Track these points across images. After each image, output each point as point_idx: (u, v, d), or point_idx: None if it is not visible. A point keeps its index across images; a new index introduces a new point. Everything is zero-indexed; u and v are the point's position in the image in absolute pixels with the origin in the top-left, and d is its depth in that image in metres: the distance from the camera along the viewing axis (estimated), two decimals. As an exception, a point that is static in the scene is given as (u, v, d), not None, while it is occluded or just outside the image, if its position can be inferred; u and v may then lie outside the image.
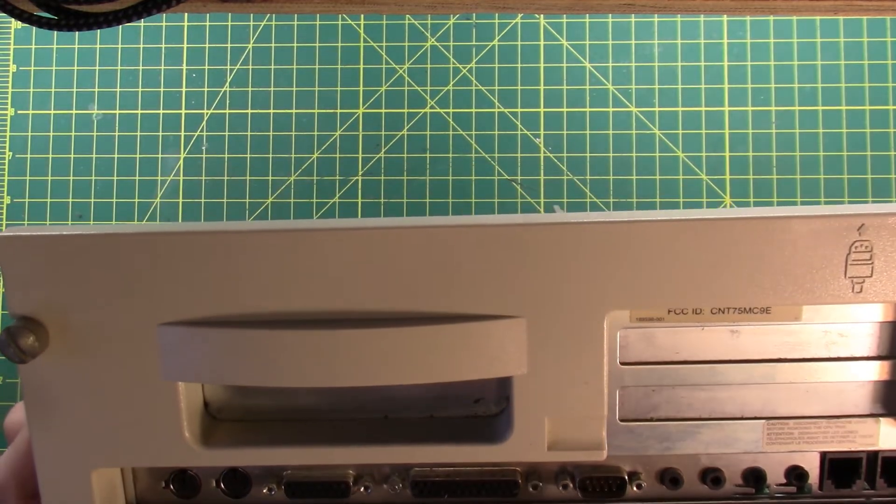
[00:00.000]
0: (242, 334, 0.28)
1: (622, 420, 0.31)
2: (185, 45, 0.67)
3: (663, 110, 0.65)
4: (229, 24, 0.67)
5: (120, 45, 0.67)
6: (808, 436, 0.31)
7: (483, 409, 0.32)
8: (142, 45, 0.67)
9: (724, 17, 0.65)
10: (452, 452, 0.30)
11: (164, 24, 0.67)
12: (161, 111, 0.67)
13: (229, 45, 0.67)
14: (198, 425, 0.31)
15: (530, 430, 0.30)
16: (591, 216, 0.29)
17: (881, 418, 0.31)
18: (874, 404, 0.31)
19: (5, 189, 0.66)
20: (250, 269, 0.28)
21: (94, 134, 0.67)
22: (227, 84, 0.67)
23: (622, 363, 0.31)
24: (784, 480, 0.32)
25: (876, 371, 0.30)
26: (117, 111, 0.67)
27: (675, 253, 0.28)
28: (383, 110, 0.66)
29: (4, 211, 0.66)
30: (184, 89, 0.67)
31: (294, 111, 0.66)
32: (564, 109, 0.65)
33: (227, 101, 0.66)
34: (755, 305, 0.29)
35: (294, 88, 0.66)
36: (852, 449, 0.31)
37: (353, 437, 0.31)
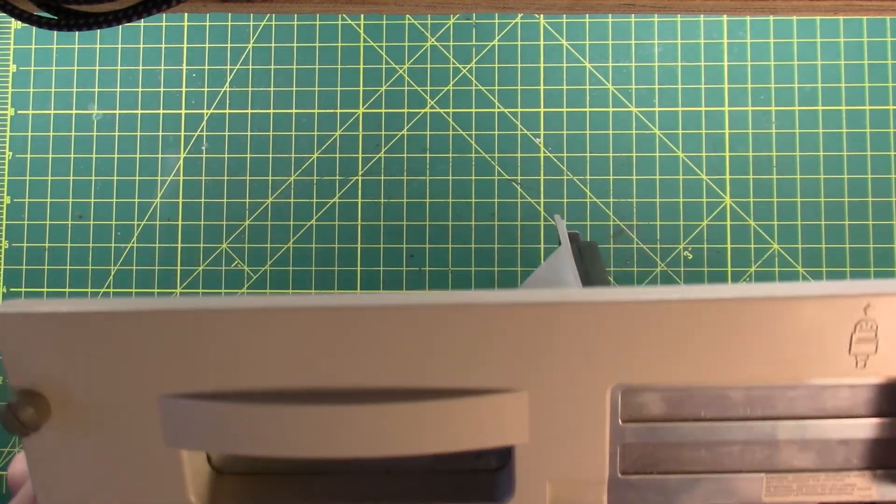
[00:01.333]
0: (244, 408, 0.28)
1: (622, 474, 0.31)
2: (185, 45, 0.67)
3: (663, 110, 0.65)
4: (229, 24, 0.67)
5: (120, 45, 0.67)
6: (807, 489, 0.31)
7: (485, 463, 0.32)
8: (142, 45, 0.67)
9: (724, 17, 0.65)
10: None
11: (164, 24, 0.67)
12: (161, 111, 0.67)
13: (229, 45, 0.67)
14: (203, 488, 0.31)
15: (531, 494, 0.30)
16: (592, 295, 0.29)
17: (878, 471, 0.31)
18: (871, 459, 0.31)
19: (5, 189, 0.66)
20: (250, 346, 0.29)
21: (94, 134, 0.67)
22: (227, 84, 0.67)
23: (623, 421, 0.31)
24: None
25: (874, 428, 0.31)
26: (117, 111, 0.67)
27: (679, 332, 0.28)
28: (383, 110, 0.66)
29: (4, 211, 0.66)
30: (184, 89, 0.67)
31: (294, 111, 0.66)
32: (564, 109, 0.65)
33: (227, 101, 0.66)
34: (758, 382, 0.29)
35: (294, 88, 0.66)
36: (850, 501, 0.31)
37: (355, 493, 0.31)
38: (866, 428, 0.31)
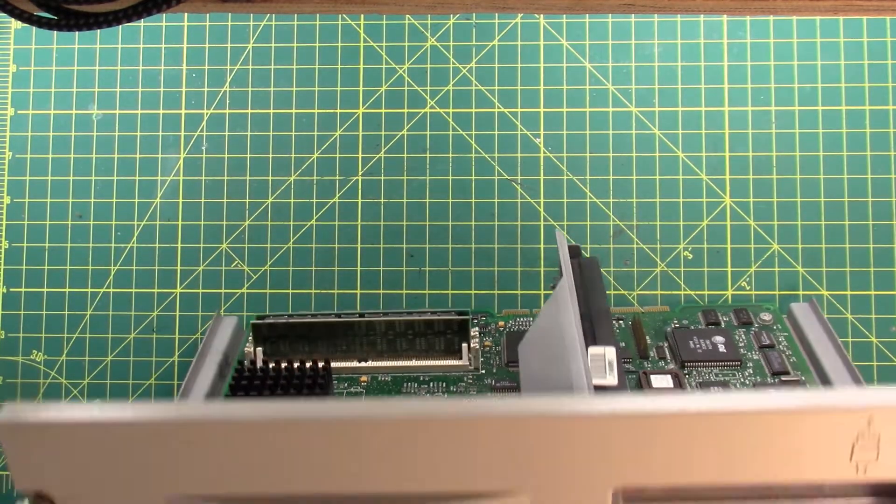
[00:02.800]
0: None
1: None
2: (185, 45, 0.67)
3: (663, 110, 0.65)
4: (229, 24, 0.67)
5: (120, 45, 0.67)
6: None
7: None
8: (142, 45, 0.67)
9: (724, 17, 0.65)
10: None
11: (164, 24, 0.67)
12: (161, 111, 0.67)
13: (229, 45, 0.67)
14: None
15: None
16: (595, 404, 0.29)
17: None
18: None
19: (5, 189, 0.66)
20: (254, 454, 0.29)
21: (94, 134, 0.67)
22: (227, 84, 0.67)
23: None
24: None
25: None
26: (117, 111, 0.67)
27: (680, 442, 0.28)
28: (383, 110, 0.66)
29: (4, 211, 0.66)
30: (184, 89, 0.67)
31: (294, 111, 0.66)
32: (564, 109, 0.65)
33: (227, 101, 0.66)
34: (758, 482, 0.29)
35: (294, 88, 0.66)
36: None
37: None
38: None
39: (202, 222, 0.66)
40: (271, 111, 0.66)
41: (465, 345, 0.55)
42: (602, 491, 0.29)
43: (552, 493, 0.29)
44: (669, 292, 0.63)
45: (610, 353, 0.40)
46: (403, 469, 0.29)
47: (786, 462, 0.28)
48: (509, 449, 0.28)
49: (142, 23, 0.67)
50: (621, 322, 0.58)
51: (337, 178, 0.66)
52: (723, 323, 0.58)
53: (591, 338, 0.44)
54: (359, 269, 0.65)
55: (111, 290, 0.66)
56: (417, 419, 0.28)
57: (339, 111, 0.66)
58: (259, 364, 0.54)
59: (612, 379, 0.39)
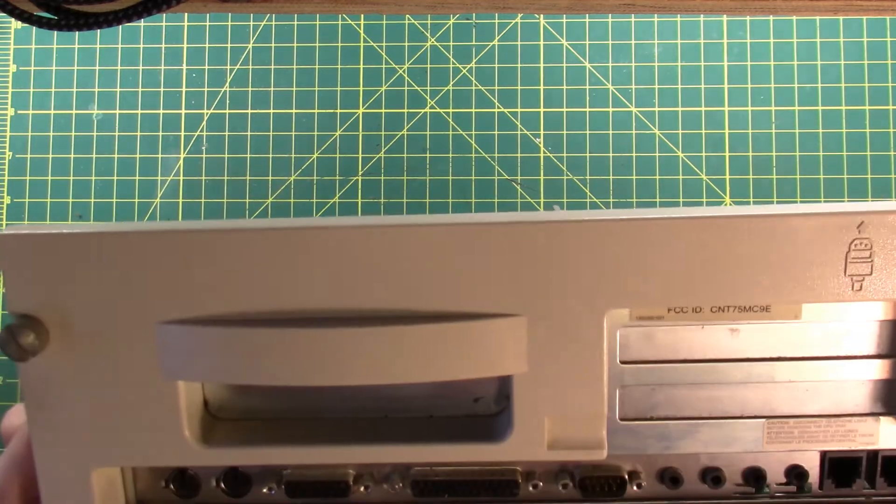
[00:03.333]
0: (240, 332, 0.28)
1: (622, 419, 0.31)
2: (185, 45, 0.67)
3: (663, 110, 0.65)
4: (229, 24, 0.67)
5: (120, 45, 0.67)
6: (808, 435, 0.31)
7: (483, 408, 0.32)
8: (142, 45, 0.67)
9: (724, 17, 0.65)
10: (452, 452, 0.30)
11: (164, 24, 0.67)
12: (161, 111, 0.67)
13: (229, 45, 0.67)
14: (198, 425, 0.31)
15: (530, 429, 0.30)
16: (589, 214, 0.29)
17: (881, 417, 0.31)
18: (874, 403, 0.31)
19: (5, 189, 0.66)
20: (248, 267, 0.29)
21: (94, 134, 0.67)
22: (227, 84, 0.67)
23: (622, 362, 0.31)
24: (784, 480, 0.32)
25: (876, 370, 0.30)
26: (117, 111, 0.67)
27: (674, 251, 0.28)
28: (383, 110, 0.66)
29: (4, 211, 0.66)
30: (184, 89, 0.67)
31: (294, 111, 0.66)
32: (564, 109, 0.65)
33: (227, 101, 0.66)
34: (755, 304, 0.29)
35: (294, 88, 0.66)
36: (852, 448, 0.31)
37: (352, 436, 0.31)
38: (868, 369, 0.30)
39: (201, 221, 0.66)
40: (271, 111, 0.66)
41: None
42: (597, 314, 0.28)
43: (548, 315, 0.28)
44: (669, 292, 0.63)
45: None
46: (401, 285, 0.28)
47: (781, 274, 0.28)
48: (504, 266, 0.28)
49: (142, 23, 0.67)
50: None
51: (337, 178, 0.66)
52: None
53: None
54: (359, 269, 0.65)
55: (111, 290, 0.65)
56: (414, 226, 0.28)
57: (339, 111, 0.66)
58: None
59: None
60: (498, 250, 0.28)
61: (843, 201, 0.63)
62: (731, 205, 0.64)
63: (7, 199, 0.66)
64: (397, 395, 0.32)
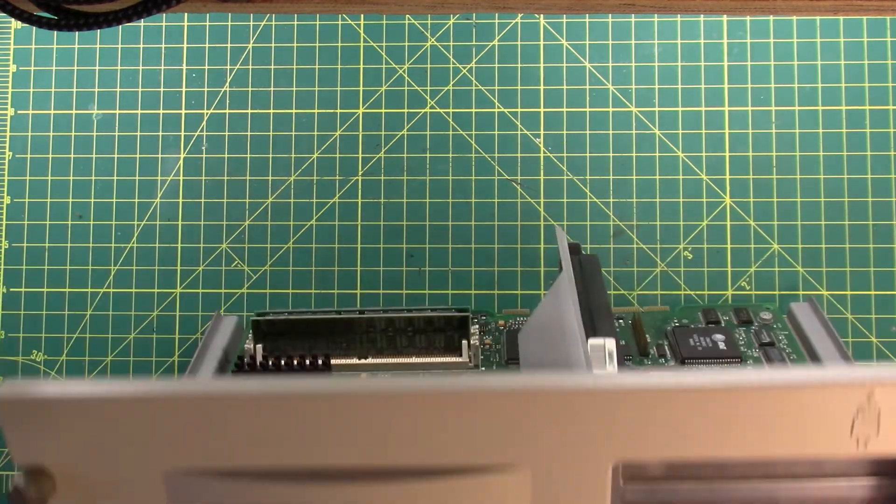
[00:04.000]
0: (250, 486, 0.29)
1: None
2: (185, 45, 0.67)
3: (663, 110, 0.65)
4: (229, 24, 0.67)
5: (120, 45, 0.67)
6: None
7: None
8: (142, 45, 0.67)
9: (724, 17, 0.65)
10: None
11: (164, 24, 0.67)
12: (161, 111, 0.67)
13: (229, 45, 0.67)
14: None
15: None
16: (594, 380, 0.29)
17: None
18: None
19: (5, 189, 0.66)
20: (255, 428, 0.29)
21: (94, 134, 0.67)
22: (227, 84, 0.67)
23: (625, 482, 0.31)
24: None
25: (875, 489, 0.31)
26: (117, 111, 0.67)
27: (679, 416, 0.28)
28: (383, 110, 0.66)
29: (4, 211, 0.66)
30: (184, 89, 0.67)
31: (294, 111, 0.66)
32: (564, 109, 0.65)
33: (227, 101, 0.66)
34: (757, 457, 0.29)
35: (294, 88, 0.66)
36: None
37: None
38: (867, 488, 0.31)
39: (202, 222, 0.66)
40: (271, 111, 0.66)
41: (465, 341, 0.55)
42: (602, 466, 0.29)
43: (552, 468, 0.29)
44: (669, 292, 0.63)
45: (610, 343, 0.40)
46: (403, 443, 0.29)
47: (786, 437, 0.28)
48: (510, 424, 0.28)
49: (142, 23, 0.67)
50: (621, 321, 0.59)
51: (337, 178, 0.66)
52: (723, 322, 0.58)
53: (592, 330, 0.44)
54: (359, 269, 0.65)
55: (111, 290, 0.66)
56: (418, 393, 0.28)
57: (339, 111, 0.66)
58: (259, 360, 0.54)
59: (611, 370, 0.39)
60: (503, 413, 0.29)
61: (843, 201, 0.63)
62: (730, 205, 0.64)
63: (7, 199, 0.66)
64: None
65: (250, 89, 0.67)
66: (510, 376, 0.29)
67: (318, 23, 0.67)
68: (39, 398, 0.28)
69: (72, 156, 0.67)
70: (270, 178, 0.66)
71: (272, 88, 0.66)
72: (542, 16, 0.65)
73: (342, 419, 0.28)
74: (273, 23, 0.67)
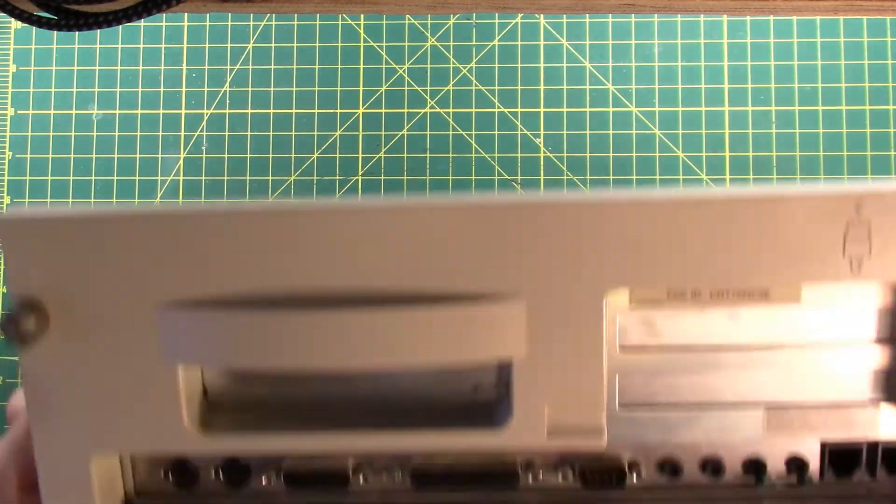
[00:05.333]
0: (236, 315, 0.29)
1: (621, 407, 0.31)
2: (185, 45, 0.67)
3: (663, 110, 0.65)
4: (229, 24, 0.67)
5: (120, 45, 0.67)
6: (809, 424, 0.31)
7: (482, 396, 0.32)
8: (142, 45, 0.67)
9: (724, 17, 0.65)
10: (450, 438, 0.30)
11: (164, 24, 0.67)
12: (161, 111, 0.67)
13: (229, 45, 0.67)
14: (197, 412, 0.31)
15: (530, 415, 0.30)
16: (587, 195, 0.29)
17: (881, 405, 0.31)
18: (874, 390, 0.31)
19: (5, 189, 0.67)
20: (250, 249, 0.29)
21: (94, 134, 0.67)
22: (227, 84, 0.67)
23: (621, 348, 0.31)
24: (784, 470, 0.32)
25: (875, 356, 0.30)
26: (117, 111, 0.67)
27: (672, 232, 0.28)
28: (383, 110, 0.66)
29: (4, 211, 0.66)
30: (184, 89, 0.67)
31: (294, 111, 0.66)
32: (564, 109, 0.65)
33: (227, 101, 0.66)
34: (753, 284, 0.29)
35: (294, 88, 0.66)
36: (852, 438, 0.31)
37: (350, 424, 0.31)
38: (867, 356, 0.30)
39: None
40: (271, 111, 0.66)
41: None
42: (597, 296, 0.29)
43: (548, 298, 0.29)
44: (669, 292, 0.63)
45: None
46: (401, 267, 0.28)
47: (780, 255, 0.28)
48: (505, 248, 0.28)
49: (142, 23, 0.67)
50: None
51: (337, 178, 0.66)
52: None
53: None
54: (359, 269, 0.65)
55: (111, 290, 0.66)
56: (414, 207, 0.28)
57: (339, 111, 0.66)
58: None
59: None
60: (497, 232, 0.29)
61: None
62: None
63: (7, 199, 0.66)
64: (395, 386, 0.32)
65: (250, 89, 0.67)
66: (509, 195, 0.29)
67: (318, 23, 0.67)
68: (41, 218, 0.29)
69: (72, 156, 0.67)
70: (270, 178, 0.66)
71: (272, 88, 0.66)
72: (542, 16, 0.65)
73: (339, 239, 0.28)
74: (273, 23, 0.67)
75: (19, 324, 0.28)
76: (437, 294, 0.29)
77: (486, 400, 0.32)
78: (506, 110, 0.65)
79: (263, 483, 0.33)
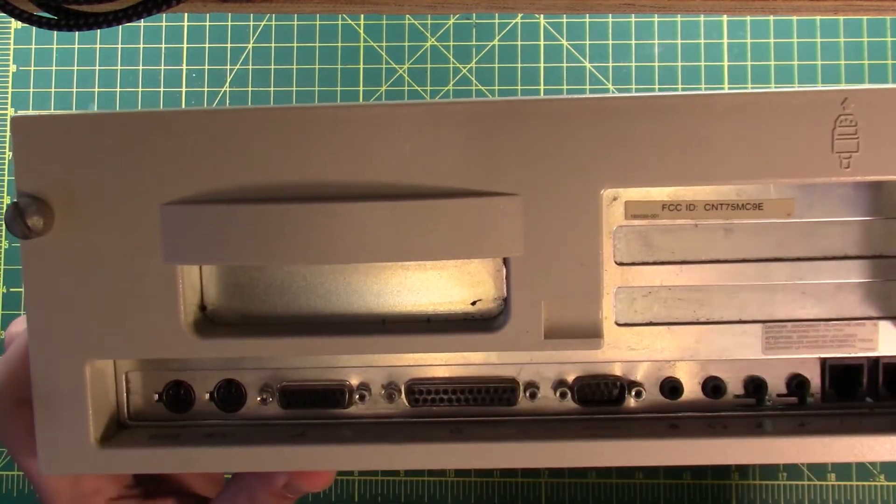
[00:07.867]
0: (237, 210, 0.29)
1: (619, 324, 0.31)
2: (185, 45, 0.67)
3: (663, 110, 0.64)
4: (229, 24, 0.67)
5: (120, 45, 0.67)
6: (807, 340, 0.30)
7: (480, 311, 0.32)
8: (142, 45, 0.67)
9: (724, 17, 0.65)
10: (448, 342, 0.30)
11: (164, 24, 0.67)
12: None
13: (229, 45, 0.67)
14: (194, 319, 0.31)
15: (527, 316, 0.29)
16: (582, 96, 0.29)
17: (879, 322, 0.30)
18: (872, 306, 0.31)
19: (5, 189, 0.67)
20: (251, 146, 0.29)
21: (94, 134, 0.67)
22: (227, 84, 0.67)
23: (618, 263, 0.30)
24: (785, 390, 0.32)
25: (872, 271, 0.30)
26: (117, 111, 0.67)
27: (666, 129, 0.28)
28: (383, 110, 0.66)
29: (4, 211, 0.66)
30: (184, 89, 0.67)
31: (294, 111, 0.66)
32: (564, 109, 0.65)
33: (227, 101, 0.66)
34: (744, 181, 0.29)
35: (294, 88, 0.66)
36: (852, 355, 0.30)
37: (348, 332, 0.31)
38: (864, 270, 0.30)
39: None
40: (271, 111, 0.66)
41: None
42: (592, 193, 0.28)
43: (544, 195, 0.28)
44: (669, 292, 0.63)
45: None
46: (400, 162, 0.29)
47: (770, 150, 0.28)
48: (501, 146, 0.28)
49: (142, 23, 0.67)
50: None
51: (337, 178, 0.66)
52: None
53: None
54: (359, 269, 0.65)
55: (111, 290, 0.65)
56: (413, 105, 0.28)
57: (339, 111, 0.66)
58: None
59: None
60: (494, 129, 0.29)
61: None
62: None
63: (7, 199, 0.66)
64: (395, 301, 0.32)
65: (250, 89, 0.67)
66: (500, 99, 0.29)
67: (318, 23, 0.67)
68: (52, 116, 0.29)
69: (72, 156, 0.66)
70: (270, 178, 0.66)
71: (272, 88, 0.66)
72: (542, 16, 0.65)
73: (341, 139, 0.29)
74: (273, 23, 0.67)
75: (24, 217, 0.28)
76: (434, 190, 0.29)
77: (486, 314, 0.32)
78: (506, 110, 0.65)
79: (258, 403, 0.32)
